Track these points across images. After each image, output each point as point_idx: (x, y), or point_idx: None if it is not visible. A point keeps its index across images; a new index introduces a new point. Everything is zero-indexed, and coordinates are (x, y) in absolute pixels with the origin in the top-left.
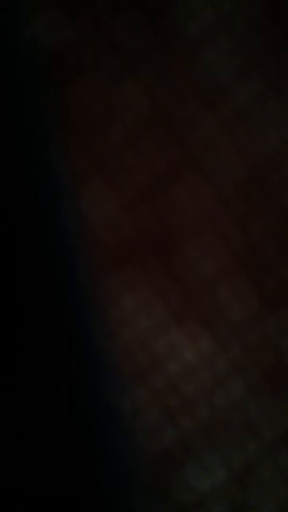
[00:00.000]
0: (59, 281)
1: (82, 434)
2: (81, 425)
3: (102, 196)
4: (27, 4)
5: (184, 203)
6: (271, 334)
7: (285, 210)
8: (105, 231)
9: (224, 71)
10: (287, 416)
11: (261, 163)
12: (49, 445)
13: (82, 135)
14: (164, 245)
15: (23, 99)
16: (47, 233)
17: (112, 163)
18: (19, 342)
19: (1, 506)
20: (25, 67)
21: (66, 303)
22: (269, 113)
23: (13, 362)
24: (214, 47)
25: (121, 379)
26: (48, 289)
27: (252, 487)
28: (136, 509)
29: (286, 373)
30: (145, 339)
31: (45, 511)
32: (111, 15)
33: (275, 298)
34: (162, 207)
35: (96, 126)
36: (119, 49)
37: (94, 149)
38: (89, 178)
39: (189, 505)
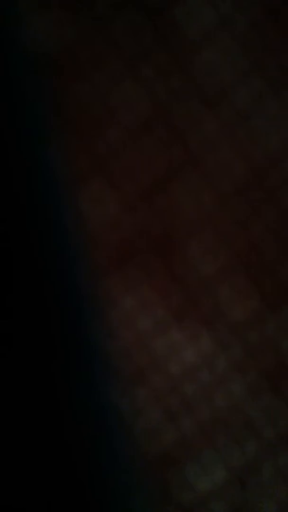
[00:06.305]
0: (59, 281)
1: (82, 434)
2: (81, 425)
3: (102, 196)
4: (27, 4)
5: (184, 203)
6: (271, 334)
7: (285, 210)
8: (105, 231)
9: (224, 71)
10: (287, 416)
11: (261, 163)
12: (48, 445)
13: (82, 135)
14: (164, 245)
15: (23, 99)
16: (47, 233)
17: (112, 163)
18: (19, 342)
19: (1, 506)
20: (25, 67)
21: (66, 303)
22: (269, 113)
23: (13, 362)
24: (214, 47)
25: (121, 379)
26: (48, 290)
27: (252, 487)
28: (136, 509)
29: (286, 373)
30: (145, 339)
31: (45, 511)
32: (111, 15)
33: (275, 298)
34: (162, 207)
35: (96, 126)
36: (119, 49)
37: (94, 149)
38: (89, 178)
39: (189, 505)
